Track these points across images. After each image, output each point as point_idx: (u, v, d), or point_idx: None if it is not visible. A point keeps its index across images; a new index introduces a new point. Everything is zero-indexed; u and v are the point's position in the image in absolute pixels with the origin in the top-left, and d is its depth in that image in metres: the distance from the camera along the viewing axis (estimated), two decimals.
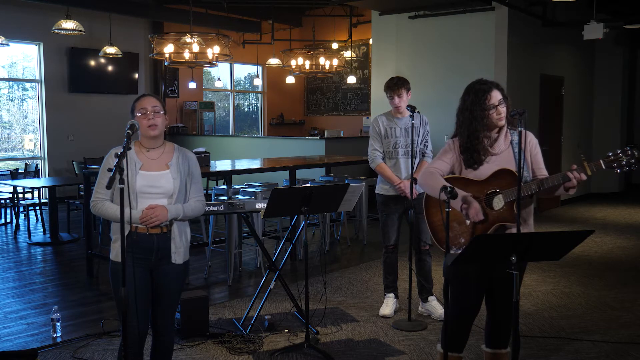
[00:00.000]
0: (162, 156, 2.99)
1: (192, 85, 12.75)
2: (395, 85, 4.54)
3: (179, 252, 3.01)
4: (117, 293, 2.94)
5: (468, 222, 2.93)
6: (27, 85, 11.42)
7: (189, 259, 3.12)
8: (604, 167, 2.80)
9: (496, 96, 2.94)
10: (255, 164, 7.63)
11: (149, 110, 2.91)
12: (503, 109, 2.95)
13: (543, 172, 3.03)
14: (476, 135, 2.94)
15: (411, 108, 4.45)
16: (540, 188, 2.86)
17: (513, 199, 2.86)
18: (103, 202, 2.94)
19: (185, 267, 3.08)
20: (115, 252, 2.94)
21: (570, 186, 2.84)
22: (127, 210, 2.84)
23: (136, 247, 2.90)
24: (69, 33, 8.54)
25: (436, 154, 3.29)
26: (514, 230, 2.94)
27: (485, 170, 2.96)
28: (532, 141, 3.06)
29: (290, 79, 12.86)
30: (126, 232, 2.88)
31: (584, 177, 2.79)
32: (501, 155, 2.99)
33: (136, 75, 12.04)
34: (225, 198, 6.49)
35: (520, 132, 2.71)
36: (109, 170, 2.63)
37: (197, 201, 3.06)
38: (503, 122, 2.97)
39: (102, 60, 11.40)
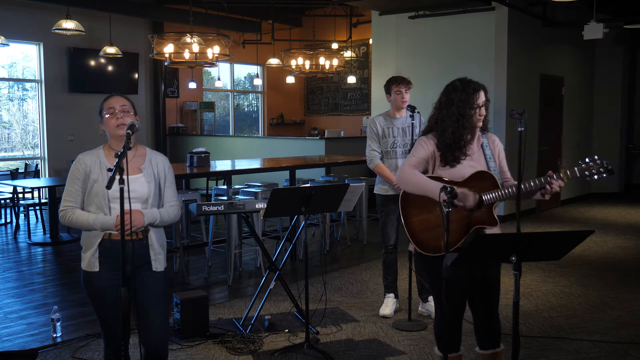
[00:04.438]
0: (134, 159, 2.84)
1: (192, 85, 12.75)
2: (404, 79, 4.61)
3: (158, 260, 2.86)
4: (94, 303, 2.84)
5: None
6: (27, 85, 11.42)
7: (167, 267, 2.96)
8: (578, 175, 2.89)
9: (482, 97, 2.95)
10: (255, 164, 7.64)
11: (117, 110, 2.79)
12: (484, 112, 2.95)
13: (507, 175, 3.10)
14: (460, 133, 2.93)
15: (411, 108, 4.47)
16: (522, 190, 2.88)
17: (492, 202, 2.91)
18: (73, 211, 2.78)
19: (166, 275, 2.93)
20: (86, 262, 2.80)
21: (547, 192, 2.90)
22: (99, 216, 2.74)
23: (111, 255, 2.76)
24: (69, 33, 8.54)
25: None
26: (491, 232, 2.95)
27: (459, 170, 2.95)
28: (499, 145, 3.12)
29: (290, 79, 12.86)
30: (99, 240, 2.77)
31: (561, 183, 2.87)
32: (473, 157, 2.99)
33: (136, 75, 12.04)
34: (225, 198, 6.49)
35: (520, 133, 2.71)
36: (109, 170, 2.54)
37: (172, 206, 2.92)
38: (481, 124, 2.98)
39: (102, 60, 11.40)
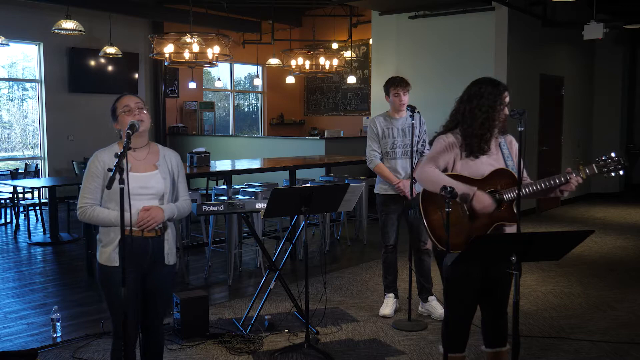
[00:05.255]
0: (149, 156, 2.94)
1: (192, 85, 12.75)
2: (402, 81, 4.61)
3: (172, 253, 2.98)
4: (110, 297, 2.89)
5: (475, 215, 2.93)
6: (27, 85, 11.42)
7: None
8: (596, 172, 2.93)
9: (508, 97, 3.01)
10: (255, 164, 7.64)
11: (133, 107, 2.86)
12: (507, 111, 2.99)
13: (524, 174, 3.11)
14: (489, 125, 2.96)
15: (411, 108, 4.47)
16: (540, 188, 2.93)
17: (513, 200, 2.93)
18: (93, 208, 2.83)
19: (174, 267, 3.08)
20: (106, 256, 2.85)
21: (566, 189, 2.94)
22: (119, 213, 2.77)
23: (130, 250, 2.80)
24: (69, 33, 8.54)
25: None
26: (512, 230, 2.98)
27: (479, 168, 2.98)
28: (516, 145, 3.15)
29: (290, 79, 12.86)
30: (119, 237, 2.80)
31: (580, 180, 2.92)
32: (491, 155, 3.03)
33: (136, 75, 12.04)
34: (225, 198, 6.49)
35: (520, 133, 2.72)
36: (109, 170, 2.56)
37: (185, 200, 3.04)
38: (500, 123, 3.01)
39: (102, 60, 11.40)
